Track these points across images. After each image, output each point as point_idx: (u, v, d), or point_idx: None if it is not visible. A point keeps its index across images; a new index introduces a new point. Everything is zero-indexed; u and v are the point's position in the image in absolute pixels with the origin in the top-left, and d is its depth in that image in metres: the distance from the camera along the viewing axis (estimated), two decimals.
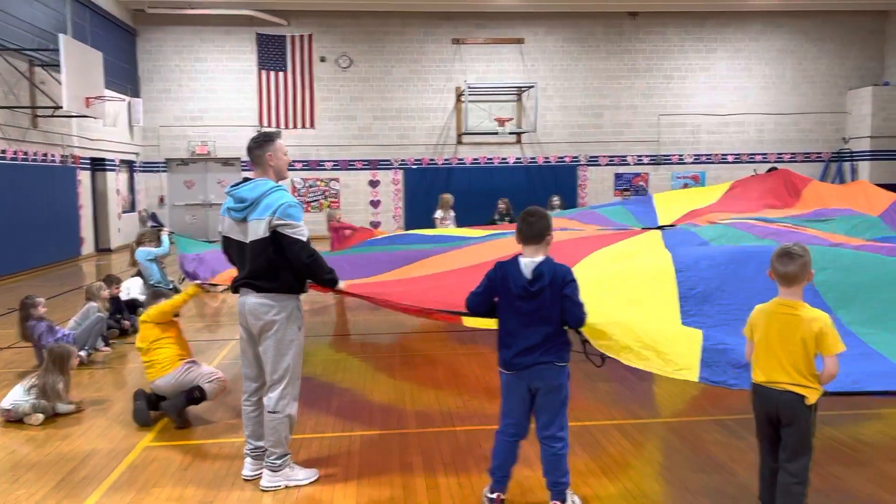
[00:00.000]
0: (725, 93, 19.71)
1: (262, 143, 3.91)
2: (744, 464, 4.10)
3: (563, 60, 19.39)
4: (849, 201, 7.28)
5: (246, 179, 3.93)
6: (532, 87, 18.57)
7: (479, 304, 3.61)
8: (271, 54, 18.85)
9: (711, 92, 19.69)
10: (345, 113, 19.13)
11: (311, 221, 7.76)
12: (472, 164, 19.46)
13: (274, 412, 3.85)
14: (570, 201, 18.90)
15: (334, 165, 19.27)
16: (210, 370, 5.10)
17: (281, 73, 18.89)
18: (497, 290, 3.52)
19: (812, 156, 20.01)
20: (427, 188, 18.44)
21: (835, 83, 19.82)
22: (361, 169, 19.35)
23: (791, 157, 19.76)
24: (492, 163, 19.52)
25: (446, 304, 4.44)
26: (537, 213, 3.51)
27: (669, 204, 8.11)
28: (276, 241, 3.75)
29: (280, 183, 3.93)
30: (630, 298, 4.51)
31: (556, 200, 12.28)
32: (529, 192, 18.70)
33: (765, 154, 19.70)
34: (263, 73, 18.86)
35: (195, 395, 4.92)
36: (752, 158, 19.69)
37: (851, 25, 19.61)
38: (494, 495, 3.58)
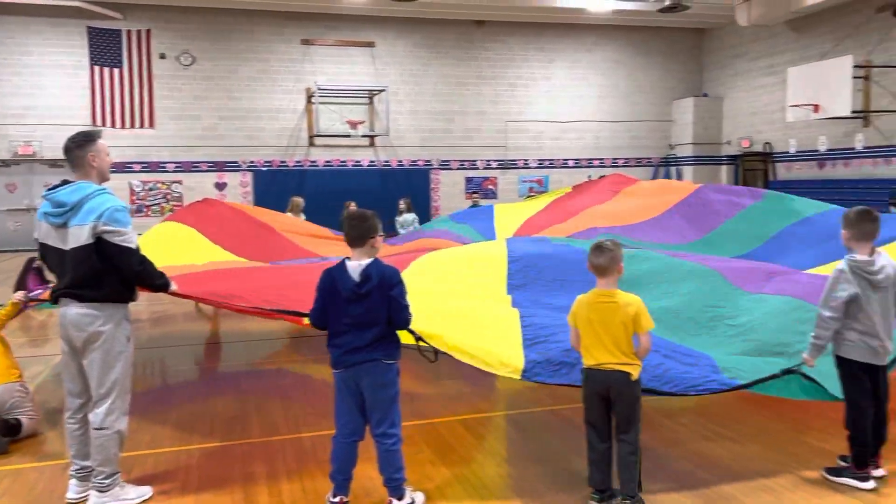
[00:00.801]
0: (565, 101, 20.80)
1: (82, 143, 3.67)
2: (577, 451, 4.36)
3: (414, 65, 19.65)
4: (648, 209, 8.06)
5: (65, 182, 3.67)
6: (383, 90, 18.67)
7: (320, 318, 3.60)
8: (105, 49, 17.64)
9: (552, 100, 20.70)
10: (187, 112, 18.28)
11: (149, 226, 7.37)
12: (326, 166, 19.26)
13: (101, 428, 3.62)
14: (423, 205, 19.18)
15: (177, 167, 18.36)
16: (33, 406, 4.76)
17: (116, 70, 17.73)
18: (328, 297, 3.53)
19: (643, 161, 21.57)
20: (278, 191, 17.97)
21: (662, 94, 21.49)
22: (207, 171, 18.57)
23: (625, 163, 21.19)
24: (345, 165, 19.41)
25: (281, 302, 4.40)
26: (361, 215, 3.56)
27: (507, 215, 8.59)
28: (101, 247, 3.54)
29: (103, 186, 3.71)
30: (464, 293, 4.75)
31: (402, 204, 12.41)
32: (383, 194, 18.75)
33: (602, 159, 20.98)
34: (97, 68, 17.62)
35: (11, 422, 4.55)
36: (590, 163, 20.91)
37: (675, 41, 21.36)
38: (337, 499, 3.59)
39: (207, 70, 18.31)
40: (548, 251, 5.65)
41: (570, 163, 21.04)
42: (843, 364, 3.89)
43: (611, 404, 3.56)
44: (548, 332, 4.19)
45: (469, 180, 20.43)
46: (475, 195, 15.47)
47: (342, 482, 3.59)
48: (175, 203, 18.36)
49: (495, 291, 5.08)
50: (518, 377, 3.92)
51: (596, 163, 20.98)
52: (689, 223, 7.40)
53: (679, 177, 21.07)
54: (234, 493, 3.86)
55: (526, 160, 20.75)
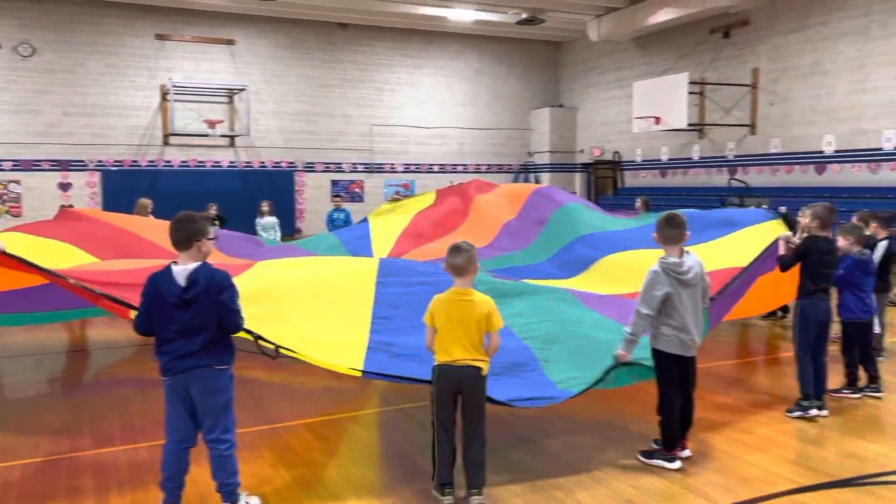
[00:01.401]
0: (430, 107, 21.14)
1: None
2: (418, 447, 4.50)
3: (276, 65, 19.28)
4: (502, 207, 8.42)
5: None
6: (244, 89, 18.17)
7: (146, 325, 3.48)
8: None
9: (418, 105, 20.98)
10: (26, 107, 16.95)
11: None
12: (182, 166, 18.47)
13: None
14: (287, 207, 18.84)
15: (14, 165, 16.97)
16: None
17: None
18: (154, 303, 3.44)
19: (504, 167, 22.32)
20: (130, 191, 16.99)
21: (521, 103, 22.33)
22: (49, 170, 17.30)
23: (487, 169, 21.83)
24: (204, 166, 18.71)
25: (116, 290, 4.25)
26: (185, 218, 3.47)
27: (381, 235, 8.58)
28: None
29: None
30: (328, 299, 4.80)
31: (264, 206, 12.16)
32: (245, 196, 18.24)
33: (465, 165, 21.50)
34: None
35: None
36: (454, 169, 21.37)
37: (533, 52, 22.27)
38: None
39: (50, 62, 17.07)
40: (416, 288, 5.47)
41: (436, 168, 21.40)
42: (657, 356, 4.26)
43: (460, 402, 3.73)
44: (394, 336, 4.33)
45: (335, 183, 20.29)
46: (337, 199, 15.30)
47: (173, 489, 3.52)
48: (11, 204, 16.98)
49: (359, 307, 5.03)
50: (359, 375, 4.02)
51: (460, 168, 21.46)
52: (522, 231, 7.83)
53: (537, 182, 21.98)
54: None
55: (392, 164, 20.89)
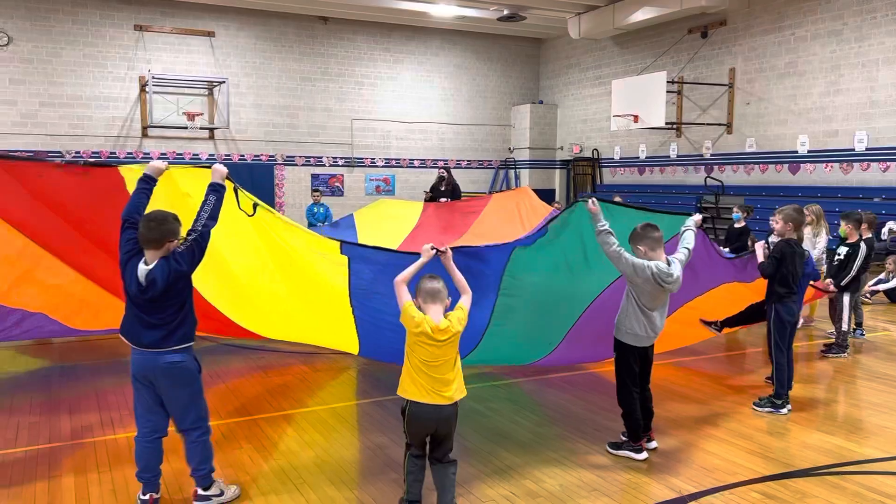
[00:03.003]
0: (411, 102, 21.19)
1: None
2: (394, 437, 4.60)
3: (257, 58, 19.22)
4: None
5: None
6: (224, 82, 18.10)
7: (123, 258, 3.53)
8: None
9: (399, 100, 21.02)
10: (2, 97, 16.76)
11: None
12: (160, 158, 18.37)
13: None
14: (267, 201, 18.67)
15: None
16: None
17: None
18: (123, 270, 3.49)
19: (485, 163, 22.44)
20: None
21: (501, 99, 22.46)
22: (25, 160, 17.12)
23: (468, 164, 21.95)
24: (182, 158, 18.62)
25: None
26: (161, 217, 3.47)
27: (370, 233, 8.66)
28: None
29: None
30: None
31: None
32: None
33: (446, 160, 21.58)
34: None
35: None
36: (435, 164, 21.44)
37: (514, 49, 22.39)
38: (147, 496, 3.59)
39: (26, 52, 16.90)
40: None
41: (416, 163, 21.47)
42: (619, 347, 4.37)
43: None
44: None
45: (315, 177, 20.29)
46: (316, 193, 15.15)
47: (150, 479, 3.59)
48: None
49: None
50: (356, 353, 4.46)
51: (441, 163, 21.54)
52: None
53: (518, 179, 22.12)
54: (37, 500, 3.74)
55: (373, 159, 20.92)
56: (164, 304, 3.44)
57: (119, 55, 17.74)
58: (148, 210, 3.57)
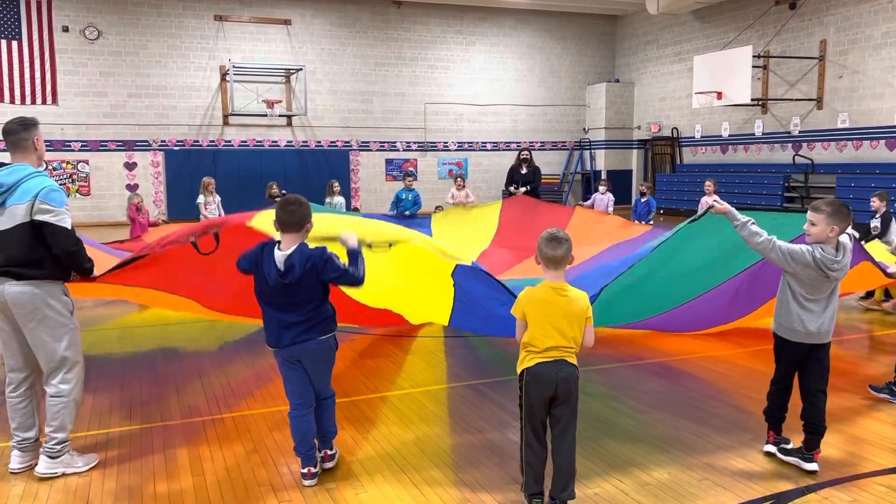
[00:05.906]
0: (484, 84, 21.07)
1: (28, 126, 3.79)
2: (493, 422, 4.59)
3: (332, 45, 19.45)
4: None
5: (1, 164, 3.75)
6: (301, 69, 18.41)
7: (244, 267, 3.68)
8: (2, 20, 16.66)
9: (471, 83, 20.93)
10: (94, 89, 17.52)
11: None
12: (241, 146, 18.87)
13: (57, 396, 3.81)
14: (343, 187, 19.06)
15: (83, 146, 17.60)
16: None
17: (15, 42, 16.79)
18: (256, 271, 3.60)
19: (559, 144, 22.14)
20: (192, 171, 17.53)
21: (576, 78, 22.07)
22: (115, 150, 17.89)
23: (541, 146, 21.70)
24: (262, 145, 19.08)
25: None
26: (297, 200, 3.57)
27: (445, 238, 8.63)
28: (37, 226, 3.62)
29: (40, 168, 3.80)
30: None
31: (336, 186, 12.37)
32: (302, 175, 18.61)
33: (519, 143, 21.40)
34: None
35: None
36: (508, 147, 21.30)
37: (589, 27, 21.93)
38: (306, 470, 3.74)
39: (114, 45, 17.58)
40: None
41: (489, 146, 21.37)
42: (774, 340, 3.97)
43: (551, 407, 3.35)
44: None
45: (389, 162, 20.46)
46: (409, 178, 14.68)
47: (307, 453, 3.73)
48: (81, 184, 17.64)
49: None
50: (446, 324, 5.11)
51: (514, 146, 21.38)
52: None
53: (593, 160, 21.74)
54: (156, 474, 3.90)
55: (445, 143, 20.93)
56: (300, 297, 3.53)
57: (200, 45, 18.26)
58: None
